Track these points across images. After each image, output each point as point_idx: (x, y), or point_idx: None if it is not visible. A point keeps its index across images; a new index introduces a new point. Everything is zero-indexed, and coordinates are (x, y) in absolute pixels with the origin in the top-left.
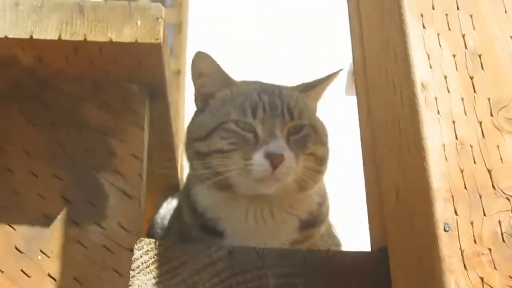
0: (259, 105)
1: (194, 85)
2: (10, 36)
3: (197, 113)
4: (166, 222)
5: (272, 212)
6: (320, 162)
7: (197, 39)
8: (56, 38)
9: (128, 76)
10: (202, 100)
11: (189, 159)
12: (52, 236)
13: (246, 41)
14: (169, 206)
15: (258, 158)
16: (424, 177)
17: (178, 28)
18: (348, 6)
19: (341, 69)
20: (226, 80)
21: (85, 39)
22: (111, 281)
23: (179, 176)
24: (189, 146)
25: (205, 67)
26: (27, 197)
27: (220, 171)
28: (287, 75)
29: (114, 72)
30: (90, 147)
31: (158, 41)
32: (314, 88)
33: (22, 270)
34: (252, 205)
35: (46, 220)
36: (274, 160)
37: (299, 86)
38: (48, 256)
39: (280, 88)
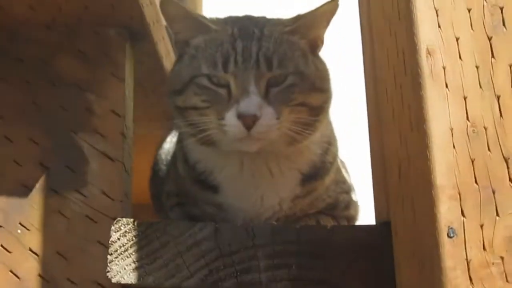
0: (231, 56)
1: (171, 32)
2: None
3: (176, 61)
4: (169, 157)
5: (269, 165)
6: (314, 111)
7: None
8: None
9: (103, 20)
10: (180, 47)
11: (172, 111)
12: (31, 207)
13: None
14: (173, 140)
15: (230, 119)
16: (427, 169)
17: None
18: None
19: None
20: (200, 25)
21: None
22: (96, 253)
23: None
24: (169, 98)
25: (174, 13)
26: (2, 164)
27: (200, 129)
28: None
29: (85, 16)
30: (66, 105)
31: None
32: (303, 22)
33: (1, 245)
34: (246, 158)
35: (24, 190)
36: (246, 120)
37: (288, 20)
38: (28, 229)
39: (263, 26)
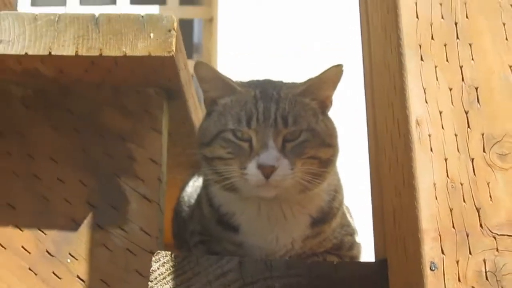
0: (254, 115)
1: (202, 90)
2: (30, 53)
3: (205, 117)
4: (192, 200)
5: (283, 209)
6: (323, 164)
7: None
8: (73, 54)
9: (145, 81)
10: (209, 104)
11: (200, 161)
12: (80, 240)
13: None
14: (195, 184)
15: (251, 169)
16: (414, 216)
17: None
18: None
19: (340, 64)
20: (227, 87)
21: (100, 54)
22: (134, 281)
23: None
24: (198, 149)
25: (205, 75)
26: (55, 202)
27: (225, 177)
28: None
29: (131, 78)
30: (111, 152)
31: (171, 54)
32: (312, 84)
33: (53, 272)
34: (263, 203)
35: (73, 225)
36: (265, 170)
37: (300, 84)
38: (76, 259)
39: (280, 89)
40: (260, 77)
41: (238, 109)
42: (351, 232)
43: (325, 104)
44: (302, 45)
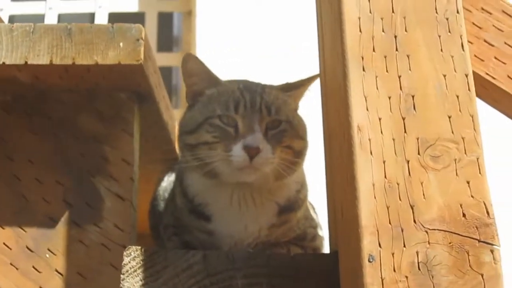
0: (241, 102)
1: (185, 84)
2: (7, 62)
3: (187, 109)
4: (166, 194)
5: (254, 197)
6: (297, 154)
7: None
8: (48, 63)
9: (117, 86)
10: (192, 97)
11: (181, 150)
12: (57, 236)
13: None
14: (169, 179)
15: (237, 150)
16: (355, 213)
17: None
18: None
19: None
20: (213, 80)
21: (73, 63)
22: (109, 274)
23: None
24: (180, 138)
25: (194, 67)
26: (34, 201)
27: (207, 162)
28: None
29: (103, 84)
30: (86, 154)
31: (139, 62)
32: (295, 88)
33: (33, 267)
34: (236, 192)
35: (51, 222)
36: (251, 151)
37: (283, 85)
38: (54, 254)
39: (263, 87)
40: (241, 76)
41: (226, 97)
42: (314, 225)
43: (296, 105)
44: (290, 46)
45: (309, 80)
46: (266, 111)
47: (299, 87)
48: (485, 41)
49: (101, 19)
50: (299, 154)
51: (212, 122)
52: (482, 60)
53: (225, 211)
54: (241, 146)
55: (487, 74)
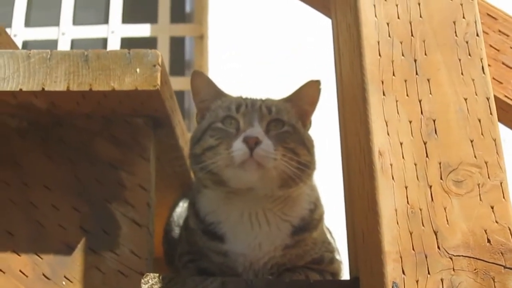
0: (242, 103)
1: (194, 102)
2: (24, 89)
3: (197, 125)
4: (181, 221)
5: (266, 216)
6: (303, 164)
7: (219, 3)
8: (65, 89)
9: (134, 112)
10: (202, 116)
11: (191, 166)
12: (74, 263)
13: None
14: (184, 205)
15: (237, 144)
16: (378, 239)
17: None
18: (334, 46)
19: (316, 80)
20: (219, 93)
21: (90, 89)
22: None
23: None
24: (190, 154)
25: (201, 83)
26: (50, 228)
27: (211, 169)
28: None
29: (120, 109)
30: (102, 180)
31: (156, 88)
32: (292, 95)
33: None
34: (246, 208)
35: (68, 249)
36: (250, 141)
37: (283, 98)
38: (71, 281)
39: (265, 99)
40: (249, 85)
41: (228, 103)
42: (331, 250)
43: (304, 119)
44: (289, 56)
45: (305, 85)
46: (266, 110)
47: (295, 93)
48: (503, 63)
49: (114, 44)
50: (304, 166)
51: (215, 126)
52: (501, 83)
53: (237, 229)
54: (241, 140)
55: (506, 96)
